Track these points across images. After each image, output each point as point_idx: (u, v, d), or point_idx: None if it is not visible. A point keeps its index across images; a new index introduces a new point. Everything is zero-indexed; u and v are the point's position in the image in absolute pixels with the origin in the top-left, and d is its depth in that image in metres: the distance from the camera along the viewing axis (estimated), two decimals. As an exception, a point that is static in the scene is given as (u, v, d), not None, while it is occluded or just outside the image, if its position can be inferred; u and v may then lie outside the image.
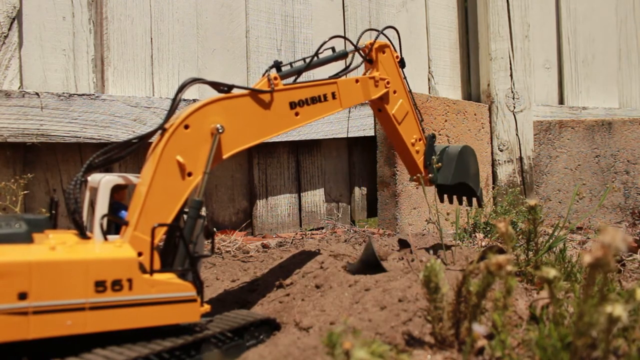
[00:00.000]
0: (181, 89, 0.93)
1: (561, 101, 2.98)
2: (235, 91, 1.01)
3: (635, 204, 2.70)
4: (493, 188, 2.52)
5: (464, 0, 2.71)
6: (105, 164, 0.89)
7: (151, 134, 0.91)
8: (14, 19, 1.57)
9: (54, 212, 0.89)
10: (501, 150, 2.55)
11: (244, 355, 0.84)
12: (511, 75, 2.58)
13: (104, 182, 0.86)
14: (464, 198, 1.46)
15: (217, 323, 0.90)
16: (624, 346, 0.74)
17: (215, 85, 1.00)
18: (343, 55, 1.25)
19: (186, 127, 0.90)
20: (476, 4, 2.63)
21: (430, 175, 1.37)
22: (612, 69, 3.14)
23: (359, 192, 2.36)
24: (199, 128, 0.91)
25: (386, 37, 1.31)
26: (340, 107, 1.16)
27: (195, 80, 0.95)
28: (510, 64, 2.57)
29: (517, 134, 2.58)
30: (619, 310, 0.59)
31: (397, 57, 1.31)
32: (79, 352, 0.73)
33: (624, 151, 2.74)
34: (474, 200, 1.45)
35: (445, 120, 2.29)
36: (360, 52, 1.28)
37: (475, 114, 2.47)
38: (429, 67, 2.58)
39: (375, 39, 1.27)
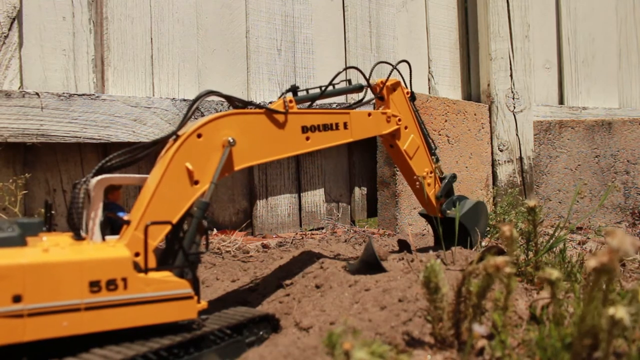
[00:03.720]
0: (197, 99, 0.95)
1: (561, 101, 2.98)
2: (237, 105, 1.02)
3: (635, 204, 2.70)
4: (493, 188, 2.52)
5: (464, 0, 2.70)
6: (118, 167, 0.89)
7: (164, 139, 0.92)
8: (14, 19, 1.57)
9: (49, 215, 0.89)
10: (501, 151, 2.55)
11: (244, 355, 0.84)
12: (511, 75, 2.57)
13: (97, 182, 0.86)
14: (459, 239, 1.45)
15: (215, 320, 0.90)
16: (624, 346, 0.74)
17: (230, 100, 1.01)
18: (358, 88, 1.29)
19: (199, 136, 0.91)
20: (476, 4, 2.63)
21: (443, 206, 1.40)
22: (612, 69, 3.14)
23: (359, 192, 2.36)
24: (211, 138, 0.93)
25: (399, 72, 1.33)
26: (351, 137, 1.17)
27: (211, 93, 0.97)
28: (510, 64, 2.57)
29: (517, 134, 2.58)
30: (621, 312, 0.59)
31: (407, 92, 1.34)
32: (77, 352, 0.73)
33: (624, 151, 2.74)
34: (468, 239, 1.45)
35: (445, 120, 2.29)
36: (372, 89, 1.30)
37: (475, 114, 2.47)
38: (429, 67, 2.58)
39: (388, 78, 1.29)
